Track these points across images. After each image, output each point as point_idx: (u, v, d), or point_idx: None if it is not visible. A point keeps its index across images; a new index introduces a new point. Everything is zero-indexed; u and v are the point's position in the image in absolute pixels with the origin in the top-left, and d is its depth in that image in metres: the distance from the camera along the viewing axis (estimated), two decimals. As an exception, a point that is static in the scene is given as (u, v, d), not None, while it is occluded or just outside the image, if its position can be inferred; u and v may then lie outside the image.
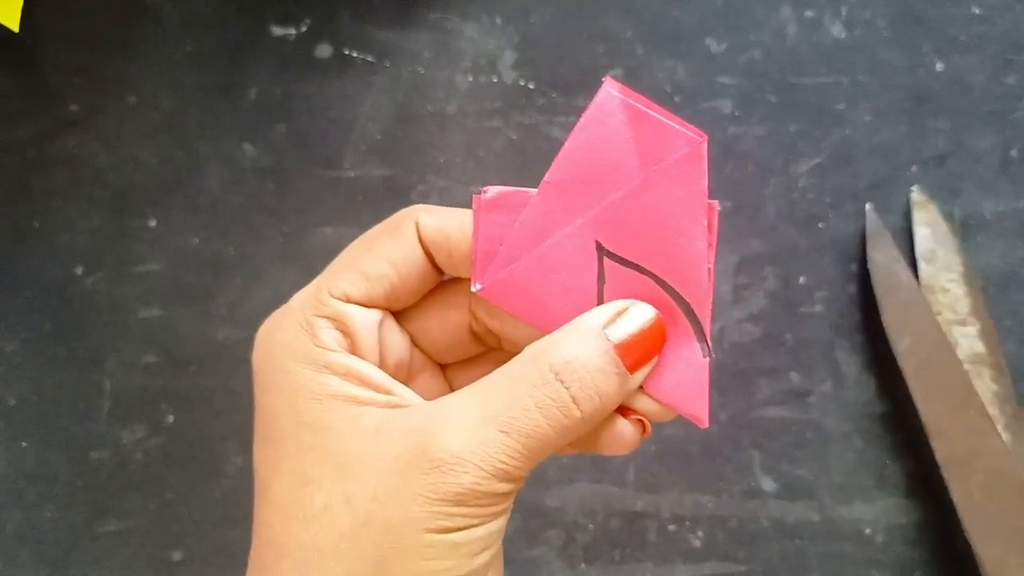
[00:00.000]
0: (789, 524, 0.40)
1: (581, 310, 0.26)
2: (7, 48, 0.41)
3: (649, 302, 0.25)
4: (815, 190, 0.40)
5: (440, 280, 0.28)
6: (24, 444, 0.41)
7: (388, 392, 0.26)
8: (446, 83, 0.41)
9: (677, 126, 0.26)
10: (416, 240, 0.27)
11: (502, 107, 0.41)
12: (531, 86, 0.41)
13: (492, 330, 0.29)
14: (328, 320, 0.26)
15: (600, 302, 0.26)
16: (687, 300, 0.25)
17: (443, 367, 0.30)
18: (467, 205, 0.41)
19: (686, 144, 0.25)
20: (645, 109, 0.26)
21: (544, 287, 0.26)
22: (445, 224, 0.27)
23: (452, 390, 0.30)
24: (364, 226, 0.41)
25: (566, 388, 0.24)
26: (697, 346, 0.26)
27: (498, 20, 0.41)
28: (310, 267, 0.41)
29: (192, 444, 0.41)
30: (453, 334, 0.29)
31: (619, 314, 0.25)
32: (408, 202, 0.41)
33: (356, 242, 0.28)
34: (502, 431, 0.23)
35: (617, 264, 0.26)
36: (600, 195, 0.26)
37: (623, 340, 0.25)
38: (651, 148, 0.25)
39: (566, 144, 0.26)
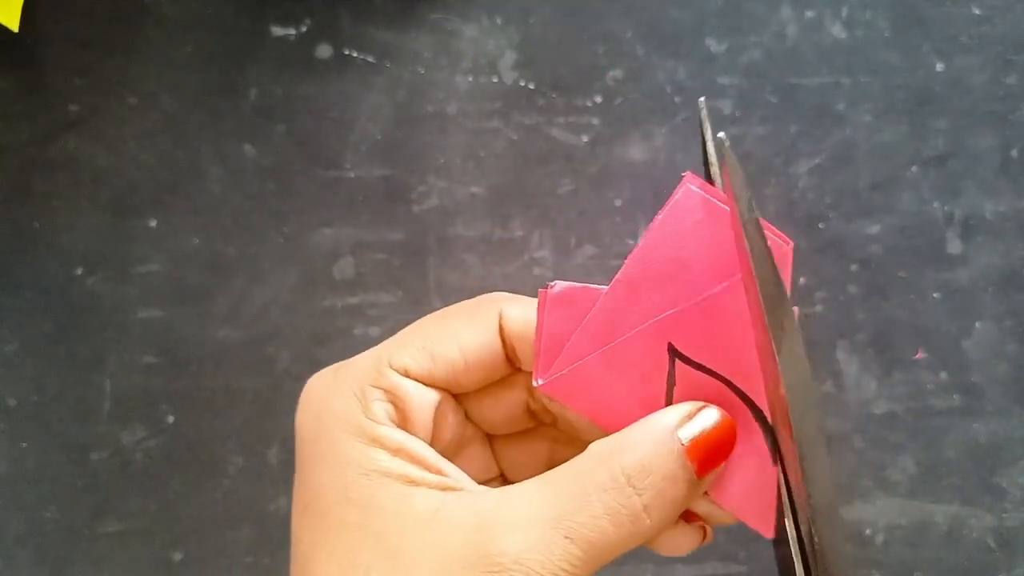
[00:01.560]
0: (789, 524, 0.40)
1: (648, 411, 0.25)
2: (7, 48, 0.41)
3: (721, 407, 0.25)
4: (815, 190, 0.41)
5: (508, 373, 0.27)
6: (24, 444, 0.41)
7: (439, 472, 0.24)
8: (446, 83, 0.41)
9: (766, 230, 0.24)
10: (495, 329, 0.26)
11: (502, 107, 0.41)
12: (531, 86, 0.41)
13: (550, 410, 0.28)
14: (382, 392, 0.25)
15: (668, 404, 0.25)
16: (760, 408, 0.25)
17: (490, 437, 0.29)
18: (467, 205, 0.41)
19: (772, 249, 0.24)
20: (728, 208, 0.25)
21: (610, 386, 0.25)
22: (532, 317, 0.26)
23: (498, 462, 0.29)
24: (364, 226, 0.42)
25: (638, 495, 0.23)
26: (768, 454, 0.25)
27: (498, 21, 0.41)
28: (310, 267, 0.41)
29: (192, 444, 0.41)
30: (508, 410, 0.28)
31: (690, 416, 0.24)
32: (408, 202, 0.41)
33: (431, 316, 0.27)
34: (567, 537, 0.22)
35: (690, 368, 0.25)
36: (674, 295, 0.25)
37: (694, 442, 0.24)
38: (732, 248, 0.24)
39: (642, 241, 0.25)
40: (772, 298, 0.22)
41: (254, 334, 0.41)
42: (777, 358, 0.22)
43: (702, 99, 0.26)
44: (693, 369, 0.25)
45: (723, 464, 0.25)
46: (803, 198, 0.41)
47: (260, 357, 0.41)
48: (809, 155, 0.41)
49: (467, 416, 0.28)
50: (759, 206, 0.41)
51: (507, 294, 0.27)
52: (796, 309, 0.25)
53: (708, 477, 0.24)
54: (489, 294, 0.27)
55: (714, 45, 0.41)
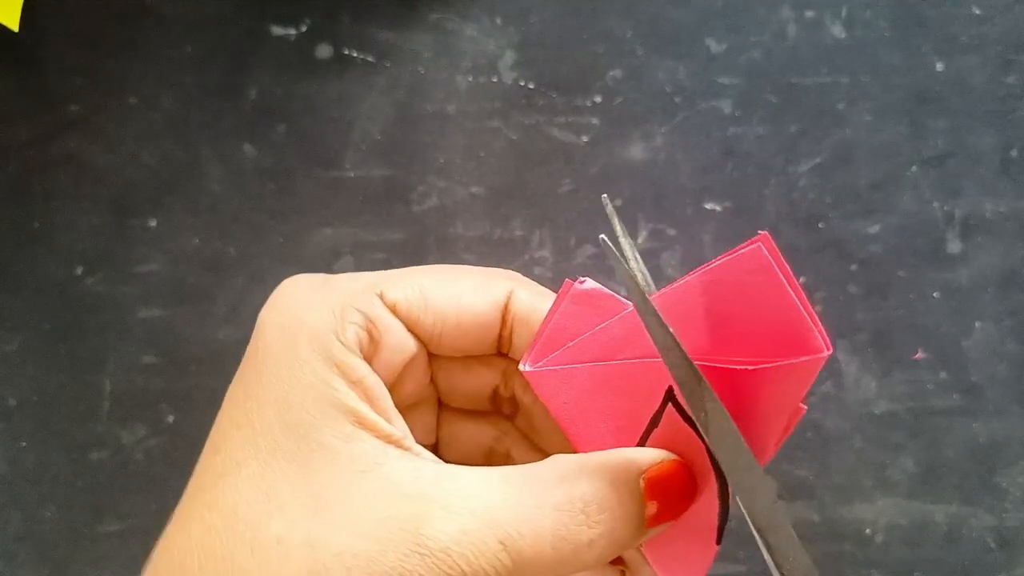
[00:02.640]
0: (789, 524, 0.40)
1: (621, 442, 0.24)
2: (7, 48, 0.41)
3: (691, 467, 0.24)
4: (815, 190, 0.40)
5: (490, 352, 0.26)
6: (24, 444, 0.41)
7: (388, 421, 0.23)
8: (446, 83, 0.41)
9: (811, 324, 0.23)
10: (500, 305, 0.25)
11: (502, 107, 0.41)
12: (531, 86, 0.41)
13: (518, 401, 0.27)
14: (363, 318, 0.23)
15: (642, 443, 0.24)
16: (728, 483, 0.23)
17: (441, 404, 0.28)
18: (467, 205, 0.41)
19: (808, 347, 0.23)
20: (787, 286, 0.23)
21: (593, 401, 0.24)
22: (541, 307, 0.25)
23: (437, 434, 0.28)
24: (364, 226, 0.42)
25: (588, 527, 0.22)
26: (715, 530, 0.24)
27: (498, 20, 0.41)
28: (311, 267, 0.41)
29: (192, 444, 0.40)
30: (474, 387, 0.27)
31: (660, 464, 0.23)
32: (408, 202, 0.41)
33: (439, 267, 0.26)
34: (501, 542, 0.21)
35: (678, 417, 0.24)
36: (699, 344, 0.23)
37: (655, 489, 0.23)
38: (772, 325, 0.23)
39: (689, 279, 0.24)
40: (686, 383, 0.21)
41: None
42: (707, 441, 0.21)
43: (604, 195, 0.25)
44: (681, 419, 0.24)
45: (671, 522, 0.24)
46: (803, 198, 0.41)
47: (260, 357, 0.41)
48: (809, 155, 0.41)
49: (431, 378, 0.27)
50: (759, 205, 0.41)
51: (522, 277, 0.26)
52: (804, 408, 0.24)
53: (655, 528, 0.23)
54: (504, 270, 0.26)
55: (714, 45, 0.41)
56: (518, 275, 0.26)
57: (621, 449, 0.23)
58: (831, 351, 0.23)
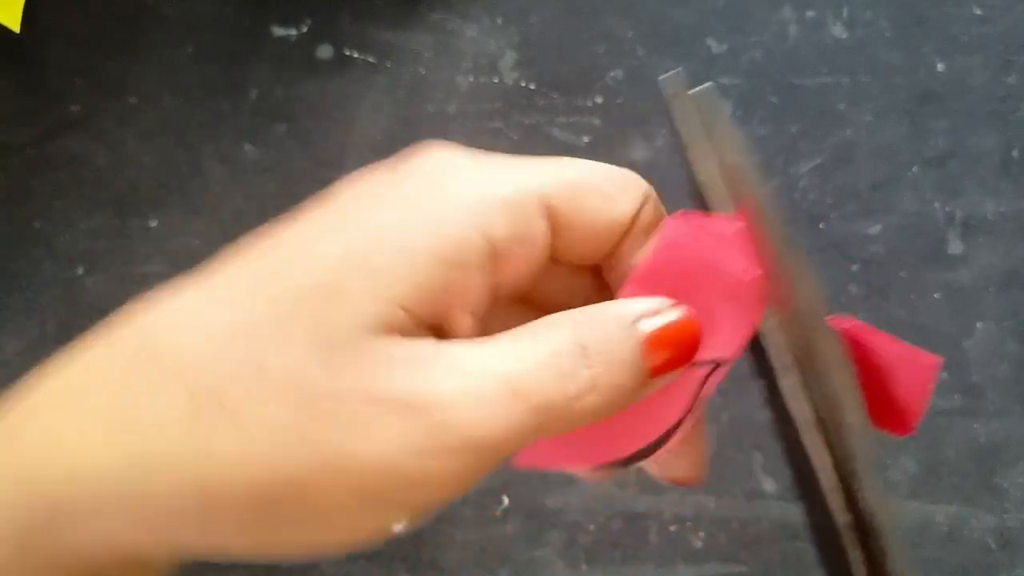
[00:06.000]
0: (790, 525, 0.40)
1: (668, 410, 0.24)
2: (7, 48, 0.41)
3: (695, 315, 0.23)
4: (816, 190, 0.40)
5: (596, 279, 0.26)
6: (24, 445, 0.41)
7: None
8: (447, 84, 0.41)
9: (912, 357, 0.24)
10: (628, 218, 0.25)
11: (503, 108, 0.41)
12: (532, 87, 0.41)
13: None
14: (522, 222, 0.22)
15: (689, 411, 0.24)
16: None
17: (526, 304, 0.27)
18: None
19: (929, 366, 0.24)
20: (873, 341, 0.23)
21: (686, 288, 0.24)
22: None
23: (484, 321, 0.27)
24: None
25: (588, 367, 0.21)
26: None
27: (499, 21, 0.41)
28: (311, 267, 0.41)
29: (193, 445, 0.41)
30: (565, 296, 0.26)
31: (656, 311, 0.23)
32: (409, 202, 0.41)
33: (572, 165, 0.25)
34: (514, 392, 0.20)
35: (712, 377, 0.24)
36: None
37: (655, 336, 0.22)
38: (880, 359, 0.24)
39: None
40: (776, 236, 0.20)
41: (254, 334, 0.41)
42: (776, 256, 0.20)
43: (671, 74, 0.24)
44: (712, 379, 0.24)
45: (679, 371, 0.23)
46: (804, 198, 0.41)
47: (260, 357, 0.41)
48: (810, 155, 0.41)
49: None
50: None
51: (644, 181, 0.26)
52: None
53: (657, 382, 0.23)
54: (625, 170, 0.26)
55: (715, 45, 0.41)
56: (641, 179, 0.26)
57: (612, 301, 0.23)
58: (939, 360, 0.23)
